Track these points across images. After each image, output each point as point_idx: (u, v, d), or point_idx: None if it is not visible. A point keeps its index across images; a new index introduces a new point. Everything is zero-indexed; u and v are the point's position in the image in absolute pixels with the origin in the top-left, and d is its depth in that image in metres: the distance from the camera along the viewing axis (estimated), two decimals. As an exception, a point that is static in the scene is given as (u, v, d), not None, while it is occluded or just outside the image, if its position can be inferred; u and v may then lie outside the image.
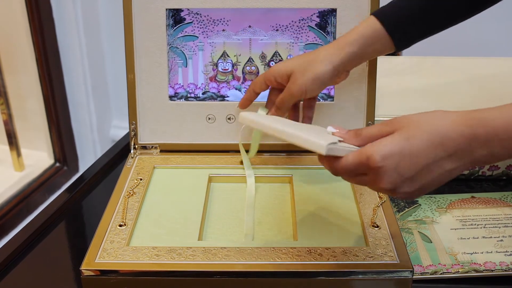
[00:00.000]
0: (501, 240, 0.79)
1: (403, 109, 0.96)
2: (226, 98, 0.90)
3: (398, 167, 0.55)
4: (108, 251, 0.69)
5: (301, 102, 0.84)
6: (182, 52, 0.89)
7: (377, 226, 0.73)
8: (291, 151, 0.91)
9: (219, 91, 0.90)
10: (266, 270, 0.67)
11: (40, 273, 0.76)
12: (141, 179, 0.84)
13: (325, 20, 0.87)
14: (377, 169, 0.55)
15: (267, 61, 0.89)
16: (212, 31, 0.88)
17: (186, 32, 0.88)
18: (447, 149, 0.55)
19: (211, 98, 0.90)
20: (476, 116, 0.55)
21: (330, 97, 0.89)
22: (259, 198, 0.83)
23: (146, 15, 0.87)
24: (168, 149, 0.92)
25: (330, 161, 0.59)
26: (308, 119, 0.83)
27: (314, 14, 0.87)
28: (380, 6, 0.86)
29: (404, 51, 1.49)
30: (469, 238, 0.80)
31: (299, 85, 0.77)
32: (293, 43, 0.88)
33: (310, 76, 0.76)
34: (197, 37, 0.88)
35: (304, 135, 0.59)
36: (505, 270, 0.74)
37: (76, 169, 2.14)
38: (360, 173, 0.58)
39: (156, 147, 0.92)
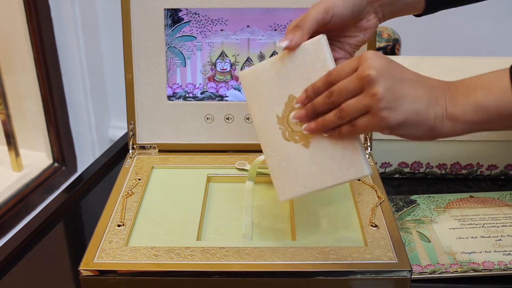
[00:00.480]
0: (500, 240, 0.79)
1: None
2: (224, 98, 0.90)
3: (391, 68, 0.58)
4: (106, 251, 0.69)
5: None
6: (181, 52, 0.89)
7: (376, 226, 0.73)
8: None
9: (217, 91, 0.90)
10: (265, 270, 0.67)
11: (38, 273, 0.76)
12: (139, 179, 0.84)
13: (324, 20, 0.87)
14: (366, 58, 0.58)
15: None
16: (210, 31, 0.88)
17: (184, 32, 0.88)
18: (427, 81, 0.60)
19: (210, 98, 0.90)
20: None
21: (328, 97, 0.89)
22: (258, 198, 0.83)
23: (144, 15, 0.87)
24: (166, 149, 0.92)
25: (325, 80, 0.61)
26: None
27: (313, 14, 0.87)
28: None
29: (403, 51, 1.49)
30: (467, 238, 0.80)
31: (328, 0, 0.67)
32: (291, 43, 0.88)
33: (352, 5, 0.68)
34: (195, 37, 0.88)
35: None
36: (504, 270, 0.74)
37: (75, 169, 2.14)
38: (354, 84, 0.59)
39: (154, 147, 0.92)
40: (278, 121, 0.67)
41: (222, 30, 0.88)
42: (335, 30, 0.69)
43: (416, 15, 0.75)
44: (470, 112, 0.58)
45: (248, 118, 0.90)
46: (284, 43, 0.65)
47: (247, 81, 0.69)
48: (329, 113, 0.61)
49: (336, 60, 0.69)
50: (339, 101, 0.60)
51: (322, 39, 0.64)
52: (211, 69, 0.90)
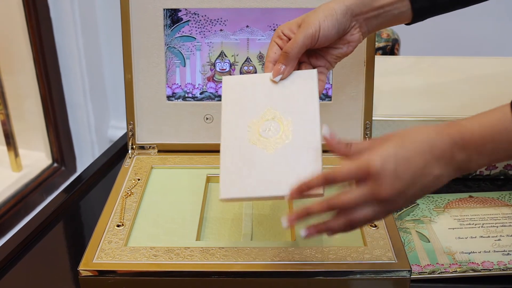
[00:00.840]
0: (499, 240, 0.80)
1: (401, 109, 0.96)
2: (224, 98, 0.90)
3: (397, 170, 0.57)
4: (106, 251, 0.69)
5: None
6: (180, 52, 0.89)
7: (375, 226, 0.73)
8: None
9: (217, 91, 0.90)
10: (264, 270, 0.67)
11: (38, 274, 0.76)
12: (139, 179, 0.84)
13: (323, 20, 0.87)
14: (377, 174, 0.57)
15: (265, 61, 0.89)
16: (209, 31, 0.88)
17: (183, 32, 0.88)
18: (434, 154, 0.57)
19: (209, 98, 0.90)
20: (455, 126, 0.58)
21: (328, 97, 0.89)
22: (257, 198, 0.83)
23: (143, 15, 0.87)
24: (166, 149, 0.92)
25: (325, 178, 0.59)
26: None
27: (312, 14, 0.87)
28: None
29: (402, 51, 1.49)
30: (467, 238, 0.80)
31: (313, 22, 0.69)
32: (290, 43, 0.88)
33: (322, 12, 0.70)
34: (195, 38, 0.88)
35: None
36: (503, 270, 0.74)
37: (74, 170, 2.14)
38: (358, 184, 0.58)
39: (154, 147, 0.92)
40: (248, 124, 0.68)
41: (221, 30, 0.88)
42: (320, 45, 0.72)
43: (406, 24, 0.76)
44: (484, 164, 0.59)
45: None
46: (278, 78, 0.70)
47: (229, 85, 0.72)
48: (336, 221, 0.59)
49: (316, 67, 0.73)
50: (345, 212, 0.59)
51: (315, 73, 0.70)
52: (211, 69, 0.90)
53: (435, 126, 0.59)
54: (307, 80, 0.69)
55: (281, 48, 0.71)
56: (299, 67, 0.72)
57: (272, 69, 0.71)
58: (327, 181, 0.59)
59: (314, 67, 0.73)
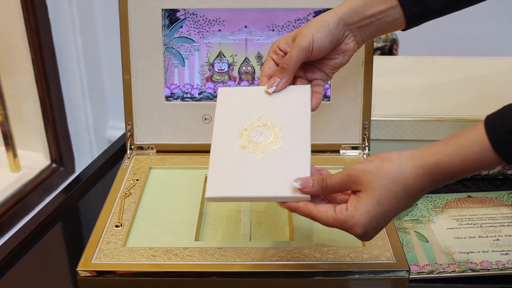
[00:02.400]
0: (498, 240, 0.80)
1: (399, 109, 0.96)
2: (222, 99, 0.90)
3: (376, 227, 0.60)
4: (104, 251, 0.69)
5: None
6: (178, 52, 0.89)
7: (374, 226, 0.73)
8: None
9: (215, 92, 0.90)
10: (263, 271, 0.67)
11: (36, 274, 0.76)
12: (137, 180, 0.84)
13: (321, 20, 0.87)
14: (358, 235, 0.60)
15: (263, 61, 0.89)
16: (208, 31, 0.88)
17: (182, 32, 0.88)
18: (413, 195, 0.59)
19: (208, 98, 0.90)
20: (431, 163, 0.58)
21: (326, 97, 0.89)
22: (256, 198, 0.83)
23: (142, 16, 0.87)
24: (164, 150, 0.91)
25: (309, 205, 0.62)
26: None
27: (310, 14, 0.87)
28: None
29: (401, 51, 1.49)
30: (465, 238, 0.80)
31: (306, 35, 0.70)
32: (289, 43, 0.88)
33: (315, 24, 0.71)
34: (193, 40, 0.88)
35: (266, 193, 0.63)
36: (502, 269, 0.74)
37: (73, 170, 2.14)
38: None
39: (152, 148, 0.92)
40: (240, 130, 0.69)
41: (219, 30, 0.88)
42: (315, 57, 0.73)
43: (402, 30, 0.76)
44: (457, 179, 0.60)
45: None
46: (271, 89, 0.71)
47: (224, 94, 0.73)
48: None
49: (312, 80, 0.74)
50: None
51: (308, 88, 0.72)
52: (209, 70, 0.90)
53: (409, 163, 0.59)
54: (300, 94, 0.71)
55: (276, 63, 0.72)
56: (294, 81, 0.74)
57: (267, 83, 0.72)
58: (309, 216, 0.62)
59: (310, 81, 0.74)
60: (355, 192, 0.60)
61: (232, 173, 0.65)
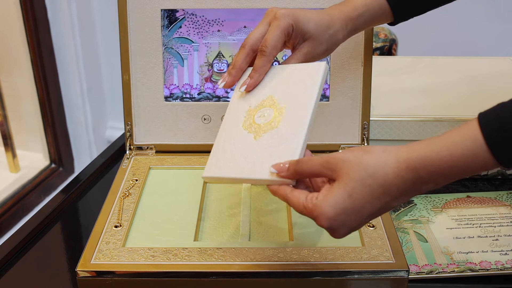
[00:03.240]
0: (497, 240, 0.80)
1: (398, 109, 0.96)
2: (221, 99, 0.90)
3: (345, 223, 0.56)
4: (103, 252, 0.69)
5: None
6: (178, 52, 0.89)
7: (373, 226, 0.73)
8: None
9: (214, 92, 0.90)
10: (262, 271, 0.67)
11: (35, 275, 0.76)
12: (136, 180, 0.84)
13: (320, 20, 0.87)
14: (325, 228, 0.57)
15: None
16: (207, 32, 0.88)
17: (181, 33, 0.88)
18: (392, 194, 0.55)
19: (207, 98, 0.90)
20: (416, 158, 0.54)
21: (325, 97, 0.89)
22: (255, 199, 0.83)
23: (141, 16, 0.87)
24: (163, 150, 0.91)
25: (285, 188, 0.60)
26: None
27: (309, 14, 0.87)
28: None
29: (400, 51, 1.49)
30: (464, 238, 0.80)
31: (281, 13, 0.70)
32: (288, 43, 0.88)
33: (327, 42, 0.73)
34: (192, 41, 0.88)
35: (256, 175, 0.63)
36: (501, 269, 0.74)
37: (72, 170, 2.14)
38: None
39: (151, 148, 0.92)
40: (247, 110, 0.70)
41: (219, 30, 0.88)
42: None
43: (390, 24, 0.77)
44: (449, 183, 0.55)
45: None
46: (242, 88, 0.71)
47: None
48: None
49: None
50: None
51: (323, 66, 0.68)
52: (208, 70, 0.90)
53: (391, 158, 0.54)
54: (312, 72, 0.69)
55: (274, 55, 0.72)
56: None
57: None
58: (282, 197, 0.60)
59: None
60: (330, 181, 0.57)
61: (229, 155, 0.67)
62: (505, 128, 0.51)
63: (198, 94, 0.90)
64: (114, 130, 2.20)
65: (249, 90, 0.72)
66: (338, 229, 0.56)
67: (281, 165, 0.60)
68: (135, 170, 0.87)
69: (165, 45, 0.89)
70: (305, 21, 0.71)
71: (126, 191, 0.81)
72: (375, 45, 1.38)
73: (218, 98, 0.90)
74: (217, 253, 0.69)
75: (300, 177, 0.59)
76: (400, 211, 0.86)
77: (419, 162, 0.53)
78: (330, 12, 0.74)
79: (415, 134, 0.94)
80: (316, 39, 0.72)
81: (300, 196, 0.58)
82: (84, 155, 2.16)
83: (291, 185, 0.60)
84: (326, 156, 0.57)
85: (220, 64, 0.89)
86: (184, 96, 0.90)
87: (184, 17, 0.88)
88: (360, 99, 0.89)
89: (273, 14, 0.71)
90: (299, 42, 0.73)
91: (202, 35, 0.88)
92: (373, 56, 0.88)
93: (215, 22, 0.88)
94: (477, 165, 0.52)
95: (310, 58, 0.73)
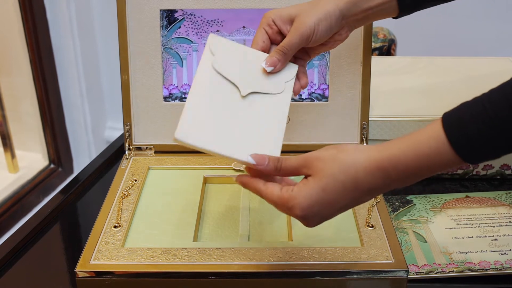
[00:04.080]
0: (496, 239, 0.80)
1: (397, 109, 0.96)
2: (220, 99, 0.90)
3: (318, 213, 0.59)
4: (103, 252, 0.69)
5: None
6: (177, 53, 0.89)
7: (372, 226, 0.73)
8: (285, 151, 0.91)
9: (213, 92, 0.90)
10: (261, 271, 0.67)
11: (35, 275, 0.76)
12: (135, 180, 0.84)
13: (319, 21, 0.87)
14: (298, 217, 0.60)
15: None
16: (206, 32, 0.88)
17: (180, 33, 0.88)
18: (363, 190, 0.58)
19: (206, 98, 0.90)
20: (385, 157, 0.57)
21: (324, 97, 0.89)
22: (254, 199, 0.83)
23: (140, 16, 0.87)
24: (162, 150, 0.91)
25: (259, 181, 0.62)
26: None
27: (308, 14, 0.87)
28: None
29: (399, 51, 1.49)
30: (463, 238, 0.80)
31: (308, 24, 0.70)
32: (287, 43, 0.88)
33: (318, 15, 0.70)
34: (192, 41, 0.88)
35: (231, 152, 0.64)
36: (500, 269, 0.75)
37: (71, 171, 2.14)
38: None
39: (150, 148, 0.91)
40: (230, 85, 0.69)
41: (218, 31, 0.88)
42: None
43: (393, 17, 0.76)
44: (416, 181, 0.59)
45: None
46: (269, 69, 0.70)
47: (216, 43, 0.72)
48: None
49: (295, 59, 0.74)
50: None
51: (296, 68, 0.73)
52: (207, 70, 0.90)
53: (363, 155, 0.58)
54: (289, 70, 0.72)
55: (270, 38, 0.72)
56: None
57: (264, 60, 0.71)
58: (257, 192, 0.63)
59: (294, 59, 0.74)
60: (306, 177, 0.60)
61: (209, 124, 0.65)
62: (466, 127, 0.54)
63: (197, 94, 0.90)
64: (113, 131, 2.20)
65: (276, 71, 0.71)
66: (311, 218, 0.59)
67: (262, 158, 0.62)
68: (134, 170, 0.87)
69: (164, 46, 0.89)
70: (298, 8, 0.72)
71: (125, 192, 0.81)
72: (374, 45, 1.38)
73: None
74: (216, 253, 0.69)
75: (277, 174, 0.63)
76: (399, 211, 0.86)
77: (388, 161, 0.56)
78: (325, 6, 0.72)
79: (414, 134, 0.94)
80: (306, 15, 0.71)
81: (274, 188, 0.61)
82: (83, 156, 2.16)
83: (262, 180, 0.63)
84: (303, 156, 0.60)
85: (219, 64, 0.89)
86: (183, 96, 0.90)
87: (184, 18, 0.88)
88: (359, 99, 0.89)
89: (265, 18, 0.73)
90: (290, 25, 0.72)
91: (201, 35, 0.88)
92: (372, 56, 0.88)
93: (214, 22, 0.88)
94: (443, 163, 0.56)
95: (304, 34, 0.71)
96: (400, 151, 0.56)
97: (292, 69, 0.73)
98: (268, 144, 0.66)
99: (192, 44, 0.89)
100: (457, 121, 0.55)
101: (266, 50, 0.73)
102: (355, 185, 0.58)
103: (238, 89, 0.69)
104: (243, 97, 0.68)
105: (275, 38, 0.73)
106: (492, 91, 0.56)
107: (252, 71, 0.70)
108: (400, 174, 0.57)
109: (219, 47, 0.71)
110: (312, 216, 0.59)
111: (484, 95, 0.56)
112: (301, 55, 0.74)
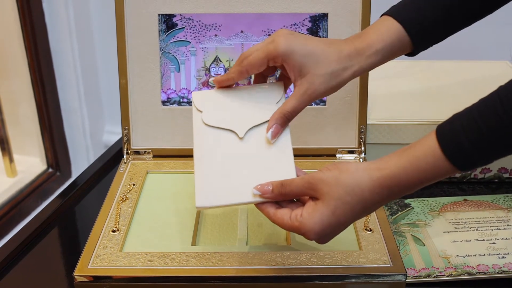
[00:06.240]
0: (494, 243, 0.80)
1: (395, 113, 0.96)
2: (218, 103, 0.90)
3: (332, 233, 0.62)
4: (101, 256, 0.69)
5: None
6: (175, 57, 0.89)
7: (370, 230, 0.73)
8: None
9: (211, 96, 0.90)
10: (260, 275, 0.67)
11: (33, 279, 0.76)
12: (134, 185, 0.84)
13: (317, 25, 0.88)
14: (312, 240, 0.62)
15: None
16: (204, 36, 0.88)
17: (178, 37, 0.88)
18: (370, 206, 0.60)
19: (204, 103, 0.90)
20: (387, 176, 0.59)
21: (322, 101, 0.90)
22: (252, 203, 0.83)
23: (138, 20, 0.87)
24: (161, 154, 0.91)
25: (269, 209, 0.64)
26: None
27: (306, 19, 0.87)
28: (371, 8, 0.87)
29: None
30: (462, 241, 0.80)
31: (319, 92, 0.67)
32: (285, 47, 0.88)
33: (330, 80, 0.66)
34: (189, 42, 0.88)
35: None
36: (498, 273, 0.75)
37: (69, 175, 2.13)
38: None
39: (149, 152, 0.92)
40: (223, 134, 0.68)
41: (216, 35, 0.88)
42: None
43: (407, 55, 0.73)
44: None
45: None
46: (274, 140, 0.68)
47: (200, 98, 0.72)
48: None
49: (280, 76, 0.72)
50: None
51: (282, 86, 0.72)
52: (205, 74, 0.90)
53: (366, 176, 0.59)
54: (276, 90, 0.71)
55: (267, 68, 0.68)
56: (264, 79, 0.73)
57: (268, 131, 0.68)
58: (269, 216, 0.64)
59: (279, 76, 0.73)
60: (313, 198, 0.61)
61: (221, 181, 0.65)
62: (459, 139, 0.56)
63: (196, 98, 0.90)
64: (112, 135, 2.19)
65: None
66: (324, 239, 0.62)
67: (265, 187, 0.63)
68: (132, 174, 0.87)
69: (162, 50, 0.89)
70: (302, 54, 0.66)
71: (123, 196, 0.81)
72: (372, 49, 1.38)
73: (216, 103, 0.90)
74: (214, 257, 0.69)
75: (284, 198, 0.64)
76: (397, 215, 0.86)
77: (390, 180, 0.59)
78: (340, 46, 0.67)
79: (412, 138, 0.94)
80: (315, 74, 0.66)
81: (284, 216, 0.62)
82: (81, 160, 2.16)
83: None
84: (307, 177, 0.62)
85: (217, 68, 0.90)
86: (181, 100, 0.90)
87: (184, 25, 0.88)
88: (357, 103, 0.89)
89: (272, 37, 0.67)
90: (297, 77, 0.67)
91: (199, 39, 0.89)
92: (370, 60, 0.88)
93: (212, 26, 0.88)
94: (441, 174, 0.58)
95: (312, 97, 0.67)
96: (400, 168, 0.58)
97: (278, 88, 0.71)
98: (281, 170, 0.66)
99: (190, 48, 0.89)
100: (450, 134, 0.57)
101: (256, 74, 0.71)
102: (363, 205, 0.60)
103: (235, 133, 0.69)
104: (242, 137, 0.68)
105: (271, 71, 0.71)
106: (481, 102, 0.58)
107: (241, 109, 0.70)
108: (402, 188, 0.59)
109: (203, 102, 0.71)
110: (325, 236, 0.61)
111: (474, 105, 0.58)
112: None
